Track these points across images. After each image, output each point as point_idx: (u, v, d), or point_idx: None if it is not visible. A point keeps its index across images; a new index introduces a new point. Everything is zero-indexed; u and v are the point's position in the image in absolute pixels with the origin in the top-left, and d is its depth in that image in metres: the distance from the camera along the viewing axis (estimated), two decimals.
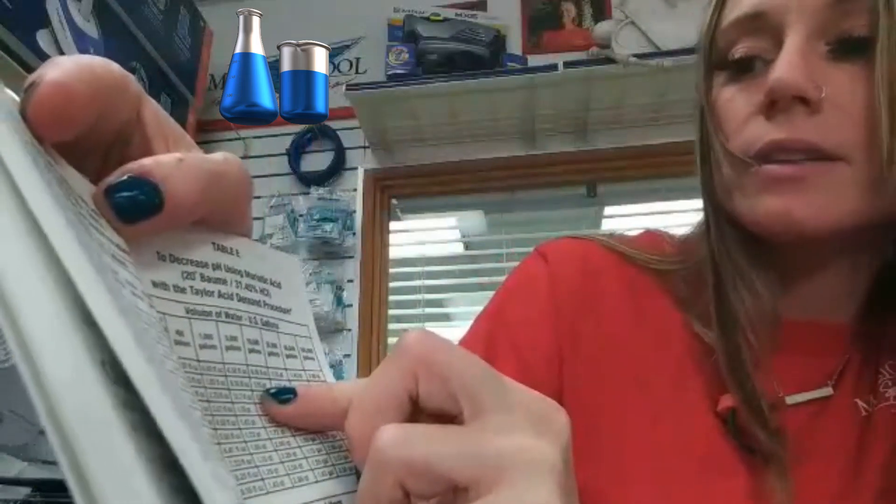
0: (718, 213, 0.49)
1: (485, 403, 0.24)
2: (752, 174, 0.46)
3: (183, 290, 0.24)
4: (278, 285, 0.28)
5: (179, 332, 0.23)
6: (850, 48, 0.44)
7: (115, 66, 0.22)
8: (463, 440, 0.23)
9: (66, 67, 0.20)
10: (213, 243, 0.26)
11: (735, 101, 0.48)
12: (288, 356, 0.28)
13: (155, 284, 0.23)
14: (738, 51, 0.48)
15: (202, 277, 0.25)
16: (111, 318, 0.16)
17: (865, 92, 0.43)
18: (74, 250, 0.16)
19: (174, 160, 0.23)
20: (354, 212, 1.95)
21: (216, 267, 0.25)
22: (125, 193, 0.21)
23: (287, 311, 0.28)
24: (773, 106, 0.44)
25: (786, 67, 0.43)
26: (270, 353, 0.27)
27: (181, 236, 0.24)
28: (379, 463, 0.23)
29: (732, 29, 0.48)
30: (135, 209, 0.22)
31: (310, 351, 0.29)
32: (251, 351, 0.26)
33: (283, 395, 0.26)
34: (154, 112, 0.25)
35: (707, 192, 0.50)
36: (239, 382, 0.25)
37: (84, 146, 0.23)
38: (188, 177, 0.23)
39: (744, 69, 0.48)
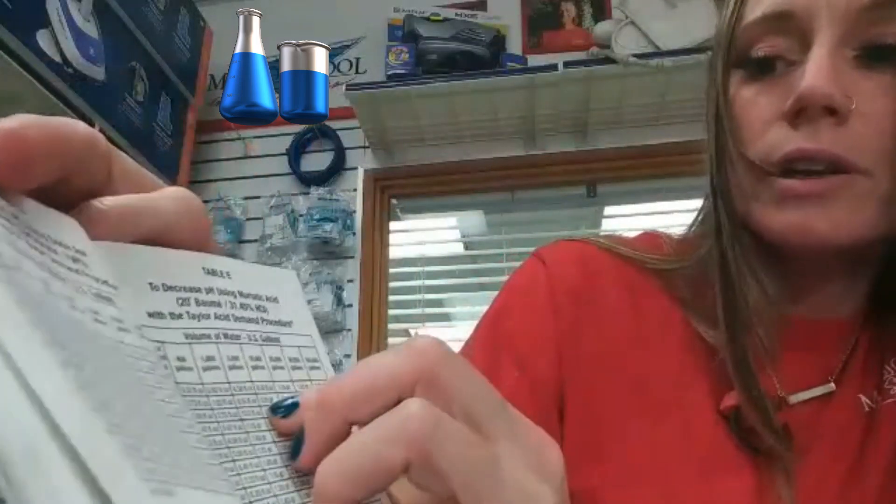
0: (733, 216, 0.48)
1: (491, 430, 0.23)
2: (770, 183, 0.45)
3: (179, 317, 0.24)
4: (275, 300, 0.28)
5: (181, 358, 0.24)
6: (879, 56, 0.43)
7: (80, 125, 0.23)
8: (487, 460, 0.22)
9: (22, 119, 0.21)
10: (203, 268, 0.26)
11: (755, 103, 0.46)
12: (294, 368, 0.28)
13: (150, 314, 0.23)
14: (761, 49, 0.46)
15: (197, 302, 0.25)
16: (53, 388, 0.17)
17: (895, 103, 0.42)
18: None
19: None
20: (354, 212, 1.95)
21: (209, 290, 0.26)
22: None
23: (287, 324, 0.29)
24: (798, 114, 0.43)
25: (817, 76, 0.42)
26: (275, 368, 0.27)
27: (170, 264, 0.25)
28: (402, 432, 0.22)
29: (755, 26, 0.46)
30: None
31: (315, 360, 0.29)
32: (254, 368, 0.26)
33: (285, 407, 0.25)
34: (125, 169, 0.25)
35: (722, 193, 0.49)
36: (246, 400, 0.25)
37: (54, 204, 0.23)
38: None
39: (764, 69, 0.46)
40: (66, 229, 0.22)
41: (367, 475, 0.22)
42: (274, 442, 0.25)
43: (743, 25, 0.47)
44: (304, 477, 0.25)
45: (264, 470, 0.24)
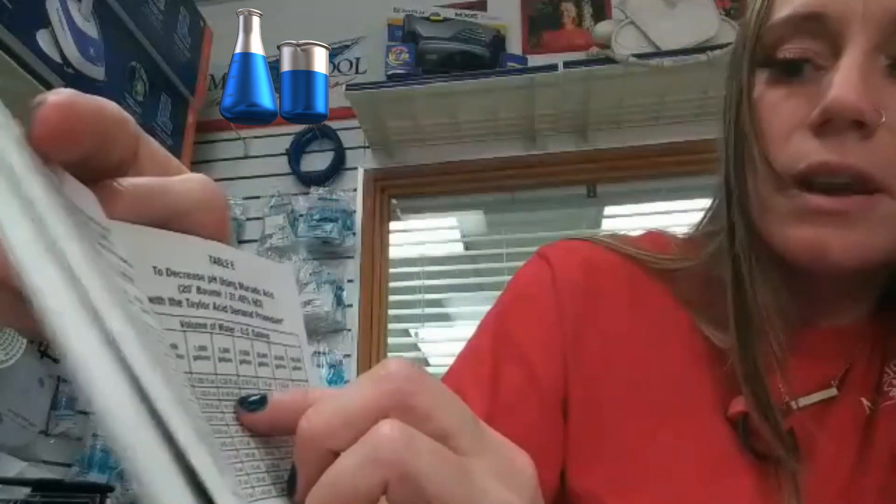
0: (748, 221, 0.47)
1: (463, 444, 0.24)
2: (790, 196, 0.44)
3: (179, 304, 0.24)
4: (271, 295, 0.29)
5: (174, 346, 0.24)
6: None
7: (114, 104, 0.23)
8: (461, 473, 0.23)
9: (70, 92, 0.21)
10: (210, 256, 0.26)
11: (780, 108, 0.45)
12: (277, 366, 0.28)
13: (151, 300, 0.23)
14: (788, 51, 0.45)
15: (198, 290, 0.25)
16: (145, 366, 0.17)
17: None
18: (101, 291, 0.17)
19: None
20: (354, 212, 1.95)
21: (212, 279, 0.26)
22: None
23: (279, 321, 0.29)
24: (824, 124, 0.42)
25: (846, 87, 0.41)
26: (261, 364, 0.27)
27: (177, 249, 0.25)
28: (376, 454, 0.22)
29: (784, 26, 0.45)
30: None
31: (298, 360, 0.29)
32: (242, 362, 0.26)
33: (253, 403, 0.25)
34: (152, 151, 0.25)
35: (738, 198, 0.47)
36: (229, 393, 0.25)
37: (80, 178, 0.23)
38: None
39: (791, 71, 0.45)
40: (94, 205, 0.22)
41: (348, 502, 0.22)
42: (251, 436, 0.25)
43: (770, 23, 0.45)
44: (280, 472, 0.25)
45: (242, 462, 0.24)
